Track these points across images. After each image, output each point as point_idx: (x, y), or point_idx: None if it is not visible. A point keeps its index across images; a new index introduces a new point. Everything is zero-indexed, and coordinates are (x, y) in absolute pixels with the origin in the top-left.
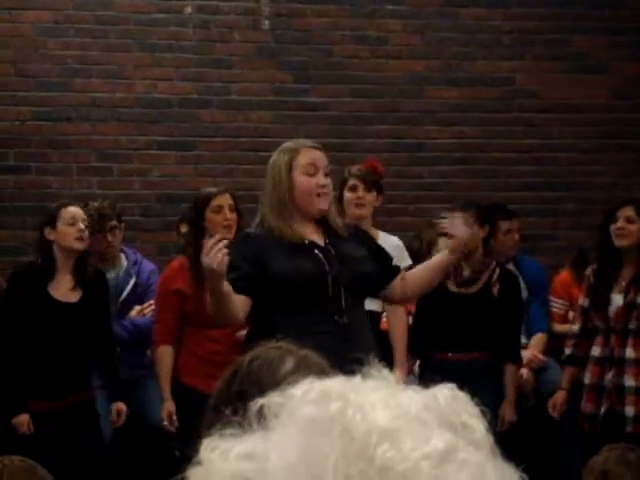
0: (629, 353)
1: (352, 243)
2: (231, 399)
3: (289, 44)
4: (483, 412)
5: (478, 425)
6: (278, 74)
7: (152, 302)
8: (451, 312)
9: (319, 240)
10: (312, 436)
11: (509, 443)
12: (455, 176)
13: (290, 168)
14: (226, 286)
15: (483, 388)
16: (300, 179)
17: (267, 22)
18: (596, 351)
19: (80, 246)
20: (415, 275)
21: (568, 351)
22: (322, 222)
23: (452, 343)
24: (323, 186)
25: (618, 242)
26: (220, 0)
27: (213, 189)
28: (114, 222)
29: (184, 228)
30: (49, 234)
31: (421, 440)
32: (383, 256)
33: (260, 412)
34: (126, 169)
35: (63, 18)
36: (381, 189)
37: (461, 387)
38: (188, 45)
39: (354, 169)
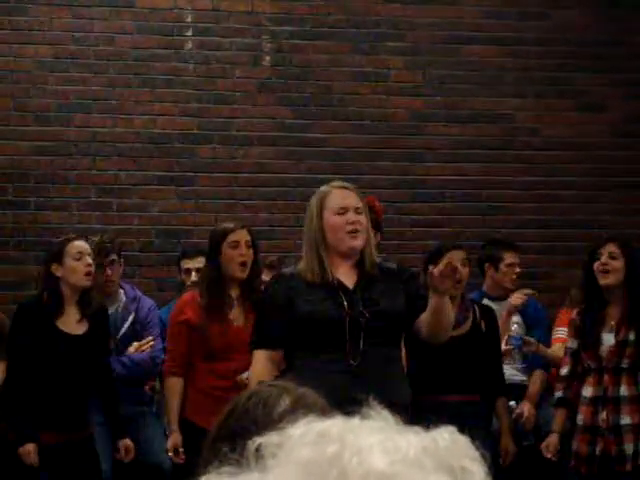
0: (623, 391)
1: (387, 283)
2: (228, 436)
3: (290, 80)
4: (483, 456)
5: (477, 469)
6: (279, 110)
7: (150, 338)
8: (447, 355)
9: (349, 281)
10: (308, 478)
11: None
12: (456, 213)
13: (321, 209)
14: None
15: (478, 429)
16: (330, 218)
17: (268, 58)
18: (588, 391)
19: (87, 283)
20: (422, 318)
21: (559, 394)
22: (360, 263)
23: (446, 385)
24: (353, 223)
25: (602, 280)
26: (221, 36)
27: (230, 224)
28: (114, 256)
29: (189, 263)
30: (56, 270)
31: None
32: (418, 295)
33: (258, 451)
34: (126, 204)
35: (63, 53)
36: (380, 227)
37: (459, 429)
38: (188, 80)
39: None
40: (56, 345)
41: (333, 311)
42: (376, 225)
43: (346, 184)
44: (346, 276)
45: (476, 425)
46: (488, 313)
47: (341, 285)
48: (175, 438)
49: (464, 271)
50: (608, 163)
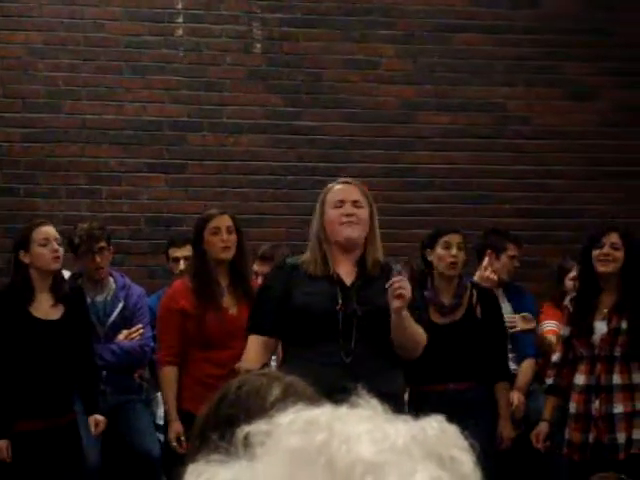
0: (616, 379)
1: (385, 283)
2: (218, 425)
3: (281, 68)
4: (472, 446)
5: (466, 459)
6: (269, 97)
7: (140, 326)
8: (440, 343)
9: (347, 277)
10: (296, 466)
11: (501, 470)
12: (446, 202)
13: (323, 204)
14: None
15: (477, 416)
16: (329, 212)
17: (259, 45)
18: (580, 379)
19: (56, 266)
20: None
21: (550, 381)
22: (362, 261)
23: (443, 374)
24: (348, 215)
25: (602, 268)
26: (212, 23)
27: (212, 210)
28: (103, 243)
29: (177, 252)
30: (24, 257)
31: (405, 474)
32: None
33: (246, 439)
34: (115, 192)
35: (53, 39)
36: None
37: (454, 418)
38: (179, 68)
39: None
40: (30, 331)
41: (327, 304)
42: None
43: (350, 179)
44: (346, 272)
45: (477, 412)
46: (487, 297)
47: (339, 280)
48: (176, 427)
49: (460, 255)
50: (598, 152)
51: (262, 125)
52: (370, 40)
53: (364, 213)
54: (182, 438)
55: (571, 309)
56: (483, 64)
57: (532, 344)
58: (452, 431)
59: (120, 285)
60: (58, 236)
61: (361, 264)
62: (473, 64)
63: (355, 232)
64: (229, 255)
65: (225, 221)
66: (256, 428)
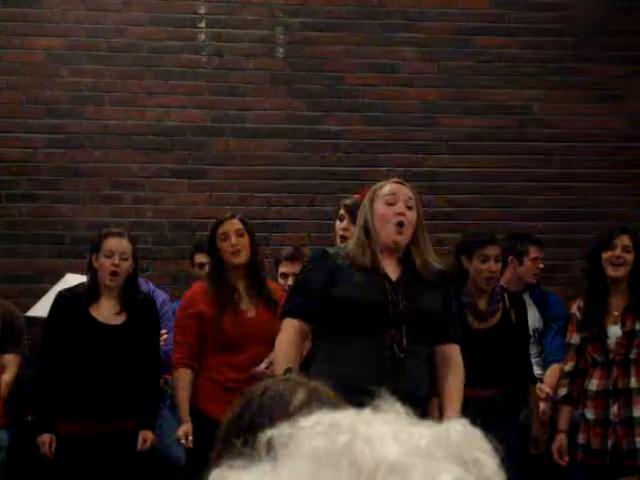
0: (634, 383)
1: (430, 285)
2: (242, 431)
3: (303, 72)
4: (496, 449)
5: (490, 461)
6: (292, 102)
7: (164, 332)
8: (479, 348)
9: (393, 274)
10: (319, 468)
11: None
12: (470, 205)
13: (373, 199)
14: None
15: (506, 421)
16: (379, 207)
17: (281, 50)
18: (594, 385)
19: (111, 283)
20: (444, 375)
21: (563, 391)
22: (406, 260)
23: (483, 379)
24: (400, 214)
25: (614, 271)
26: (234, 28)
27: (221, 216)
28: None
29: (202, 257)
30: (95, 261)
31: (429, 475)
32: (448, 317)
33: (269, 443)
34: (139, 197)
35: (76, 45)
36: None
37: (489, 421)
38: (201, 73)
39: (347, 200)
40: (90, 334)
41: (377, 296)
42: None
43: (401, 180)
44: (391, 268)
45: (506, 416)
46: (517, 301)
47: (386, 275)
48: (186, 428)
49: (497, 267)
50: (622, 155)
51: (284, 129)
52: (392, 43)
53: (414, 215)
54: (190, 437)
55: (579, 316)
56: (506, 67)
57: (560, 350)
58: (476, 434)
59: (145, 291)
60: (128, 250)
61: (404, 263)
62: (496, 67)
63: (404, 238)
64: (241, 259)
65: (234, 225)
66: (279, 431)
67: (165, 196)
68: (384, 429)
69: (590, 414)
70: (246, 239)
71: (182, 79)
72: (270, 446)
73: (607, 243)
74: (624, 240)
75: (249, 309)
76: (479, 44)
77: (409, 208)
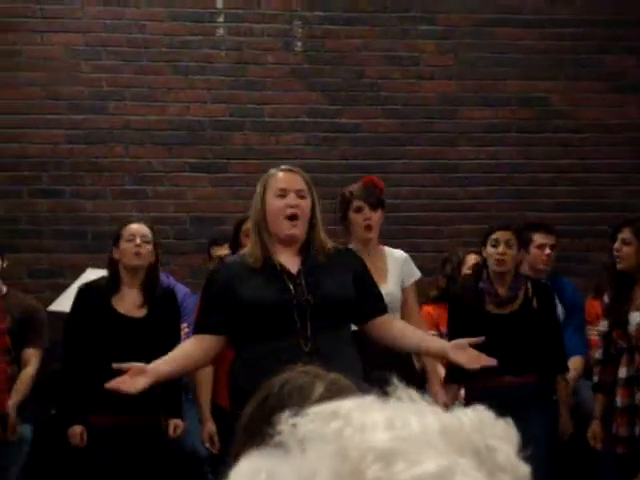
0: None
1: (334, 268)
2: (261, 424)
3: (322, 65)
4: (515, 435)
5: (504, 448)
6: (311, 95)
7: (185, 325)
8: (494, 334)
9: (293, 266)
10: (309, 455)
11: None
12: (489, 197)
13: (264, 191)
14: (167, 366)
15: (535, 411)
16: (271, 201)
17: (300, 44)
18: (623, 372)
19: (137, 262)
20: (401, 331)
21: (596, 379)
22: (305, 246)
23: (500, 367)
24: (292, 207)
25: (618, 265)
26: (253, 22)
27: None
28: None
29: (218, 251)
30: (115, 253)
31: (413, 462)
32: (370, 292)
33: (279, 432)
34: (159, 192)
35: (95, 41)
36: (383, 204)
37: (510, 411)
38: (220, 67)
39: (355, 189)
40: (112, 327)
41: (279, 296)
42: (382, 203)
43: (292, 167)
44: (289, 261)
45: (533, 406)
46: (542, 290)
47: (285, 270)
48: (209, 427)
49: (508, 251)
50: None
51: (304, 123)
52: (410, 36)
53: (307, 204)
54: (215, 438)
55: (607, 302)
56: (525, 58)
57: (582, 343)
58: (491, 420)
59: (165, 285)
60: (148, 234)
61: (303, 251)
62: (515, 58)
63: (298, 229)
64: None
65: None
66: (286, 421)
67: (185, 190)
68: (379, 416)
69: (619, 402)
70: None
71: (201, 74)
72: (278, 435)
73: (613, 236)
74: (624, 233)
75: None
76: (497, 35)
77: (302, 198)
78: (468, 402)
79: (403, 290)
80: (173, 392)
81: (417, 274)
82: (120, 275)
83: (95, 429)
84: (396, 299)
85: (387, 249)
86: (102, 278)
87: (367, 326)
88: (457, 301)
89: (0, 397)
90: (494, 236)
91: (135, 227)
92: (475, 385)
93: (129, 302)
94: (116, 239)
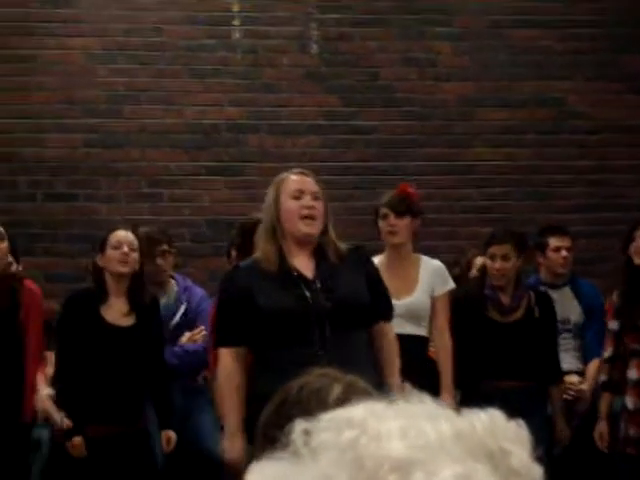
0: None
1: (348, 270)
2: (280, 427)
3: (337, 68)
4: (527, 437)
5: (518, 451)
6: (327, 98)
7: (202, 328)
8: (498, 341)
9: (308, 270)
10: (324, 463)
11: (559, 468)
12: (506, 198)
13: (278, 194)
14: (241, 415)
15: (534, 415)
16: (286, 203)
17: (315, 46)
18: (633, 374)
19: (124, 270)
20: (386, 352)
21: (603, 377)
22: (318, 249)
23: (500, 372)
24: (308, 208)
25: (637, 260)
26: (268, 25)
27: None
28: (164, 246)
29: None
30: (100, 260)
31: (430, 472)
32: (380, 295)
33: (291, 438)
34: (176, 195)
35: (112, 45)
36: (416, 213)
37: (510, 415)
38: (236, 70)
39: (385, 197)
40: (99, 335)
41: (297, 304)
42: (410, 211)
43: (305, 170)
44: (304, 265)
45: (531, 412)
46: (544, 300)
47: (300, 275)
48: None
49: (505, 265)
50: None
51: (320, 126)
52: (426, 37)
53: (322, 206)
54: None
55: (618, 303)
56: (542, 59)
57: (601, 344)
58: (502, 423)
59: (182, 287)
60: (134, 241)
61: (317, 255)
62: (531, 59)
63: (314, 229)
64: None
65: None
66: (299, 427)
67: (202, 193)
68: (394, 424)
69: (630, 403)
70: None
71: (217, 77)
72: (292, 441)
73: (630, 235)
74: None
75: None
76: (514, 36)
77: (317, 199)
78: (464, 403)
79: (432, 298)
80: (164, 403)
81: (450, 285)
82: (106, 283)
83: (88, 440)
84: (423, 308)
85: (423, 258)
86: (88, 287)
87: (369, 331)
88: (460, 306)
89: (25, 405)
90: (491, 250)
91: (122, 234)
92: (475, 389)
93: (116, 310)
94: (101, 246)
